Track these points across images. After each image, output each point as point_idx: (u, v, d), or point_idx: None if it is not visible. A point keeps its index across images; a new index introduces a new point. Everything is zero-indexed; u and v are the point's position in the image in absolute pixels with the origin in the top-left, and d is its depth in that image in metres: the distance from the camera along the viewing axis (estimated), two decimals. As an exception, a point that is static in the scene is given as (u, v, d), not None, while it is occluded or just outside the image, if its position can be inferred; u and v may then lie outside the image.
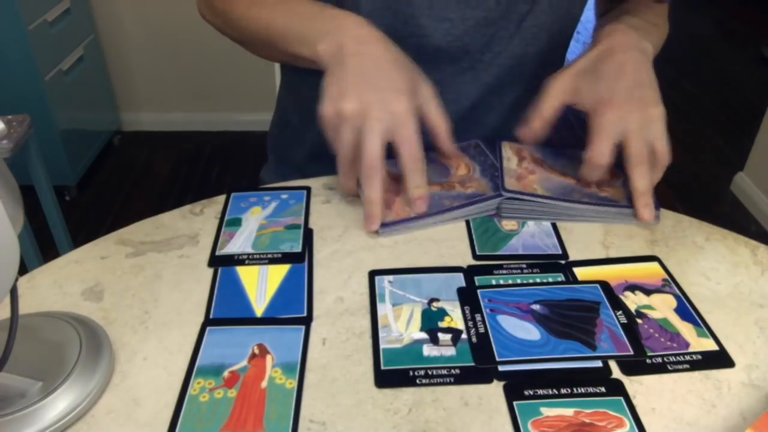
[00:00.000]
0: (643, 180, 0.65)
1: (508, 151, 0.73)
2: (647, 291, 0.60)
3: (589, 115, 0.66)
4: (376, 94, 0.58)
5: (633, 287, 0.61)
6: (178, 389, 0.50)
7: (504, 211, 0.68)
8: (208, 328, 0.56)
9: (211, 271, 0.62)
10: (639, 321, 0.57)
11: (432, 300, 0.59)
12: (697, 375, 0.52)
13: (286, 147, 0.90)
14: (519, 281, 0.61)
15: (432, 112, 0.63)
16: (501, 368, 0.52)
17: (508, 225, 0.69)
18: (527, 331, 0.55)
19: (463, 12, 0.71)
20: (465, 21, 0.72)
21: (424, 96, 0.63)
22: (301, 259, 0.63)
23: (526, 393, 0.50)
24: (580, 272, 0.62)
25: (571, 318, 0.56)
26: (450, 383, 0.51)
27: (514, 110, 0.80)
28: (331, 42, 0.62)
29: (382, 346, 0.54)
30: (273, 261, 0.63)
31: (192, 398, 0.49)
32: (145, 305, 0.58)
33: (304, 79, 0.79)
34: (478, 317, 0.56)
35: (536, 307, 0.58)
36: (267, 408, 0.49)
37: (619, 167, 0.69)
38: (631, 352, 0.53)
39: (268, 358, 0.53)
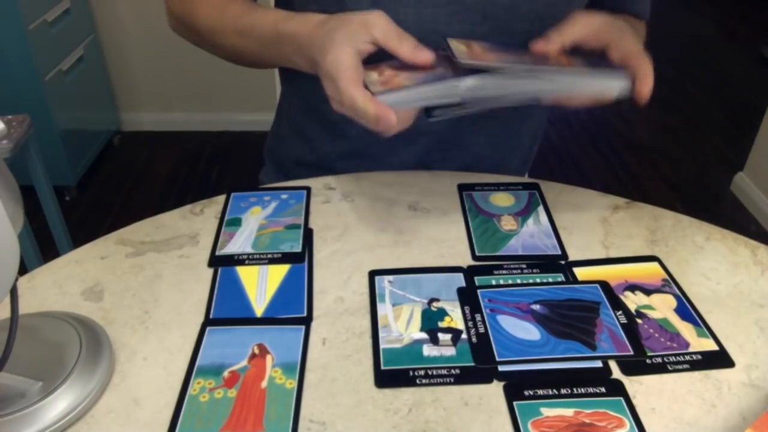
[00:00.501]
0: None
1: (458, 45, 0.65)
2: (647, 291, 0.60)
3: (614, 63, 0.63)
4: (324, 81, 0.59)
5: (633, 287, 0.61)
6: (178, 389, 0.50)
7: (468, 93, 0.59)
8: (208, 328, 0.56)
9: (211, 271, 0.62)
10: (639, 321, 0.57)
11: (432, 300, 0.59)
12: (697, 375, 0.52)
13: (285, 156, 0.90)
14: (519, 281, 0.61)
15: (384, 39, 0.59)
16: (501, 368, 0.52)
17: (507, 225, 0.69)
18: (527, 331, 0.55)
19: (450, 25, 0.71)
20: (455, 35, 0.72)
21: (375, 28, 0.59)
22: (301, 259, 0.63)
23: (526, 393, 0.50)
24: (580, 272, 0.62)
25: (571, 318, 0.56)
26: (450, 383, 0.51)
27: (495, 138, 0.80)
28: (303, 59, 0.64)
29: (382, 346, 0.54)
30: (273, 261, 0.63)
31: (192, 398, 0.49)
32: (145, 305, 0.58)
33: (304, 81, 0.79)
34: (478, 317, 0.56)
35: (536, 307, 0.58)
36: (267, 408, 0.49)
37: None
38: (631, 352, 0.53)
39: (268, 358, 0.53)
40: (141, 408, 0.49)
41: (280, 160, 0.91)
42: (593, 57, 0.63)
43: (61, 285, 0.60)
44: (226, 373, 0.52)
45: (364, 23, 0.60)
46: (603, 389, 0.51)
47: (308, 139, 0.84)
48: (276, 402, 0.49)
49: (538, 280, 0.61)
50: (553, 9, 0.71)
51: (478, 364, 0.52)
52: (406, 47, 0.59)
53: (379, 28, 0.59)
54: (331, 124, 0.81)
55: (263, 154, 0.96)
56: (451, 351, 0.54)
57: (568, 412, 0.49)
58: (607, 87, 0.61)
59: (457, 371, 0.52)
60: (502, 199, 0.73)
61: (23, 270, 0.51)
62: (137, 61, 2.52)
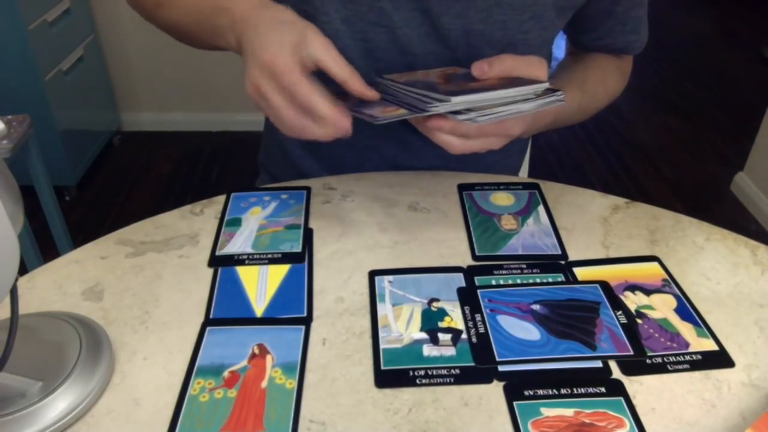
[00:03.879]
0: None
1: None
2: (647, 291, 0.60)
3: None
4: (258, 65, 0.59)
5: (633, 287, 0.61)
6: (178, 389, 0.50)
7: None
8: (208, 328, 0.56)
9: (211, 271, 0.62)
10: (639, 321, 0.57)
11: (432, 300, 0.59)
12: (697, 375, 0.52)
13: (275, 170, 0.90)
14: (519, 281, 0.61)
15: (326, 61, 0.60)
16: (501, 368, 0.52)
17: (508, 224, 0.69)
18: (527, 331, 0.55)
19: (426, 47, 0.72)
20: (426, 56, 0.72)
21: (314, 47, 0.59)
22: (301, 259, 0.63)
23: (526, 393, 0.50)
24: (580, 272, 0.62)
25: (571, 318, 0.56)
26: (450, 383, 0.51)
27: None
28: (232, 35, 0.64)
29: (382, 346, 0.54)
30: (273, 261, 0.63)
31: (192, 398, 0.49)
32: (145, 305, 0.58)
33: None
34: (478, 317, 0.56)
35: (536, 307, 0.58)
36: (267, 408, 0.49)
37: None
38: (631, 352, 0.53)
39: (268, 358, 0.53)
40: (141, 408, 0.49)
41: (271, 172, 0.91)
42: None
43: (61, 285, 0.60)
44: (226, 373, 0.52)
45: (303, 35, 0.59)
46: (603, 389, 0.50)
47: (291, 159, 0.85)
48: (276, 402, 0.49)
49: (538, 280, 0.61)
50: (525, 36, 0.72)
51: (478, 364, 0.52)
52: (358, 83, 0.60)
53: (319, 48, 0.59)
54: (312, 144, 0.81)
55: (258, 163, 0.96)
56: (451, 351, 0.54)
57: (568, 412, 0.49)
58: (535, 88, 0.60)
59: (457, 371, 0.52)
60: (502, 199, 0.73)
61: (23, 270, 0.51)
62: (137, 61, 2.52)
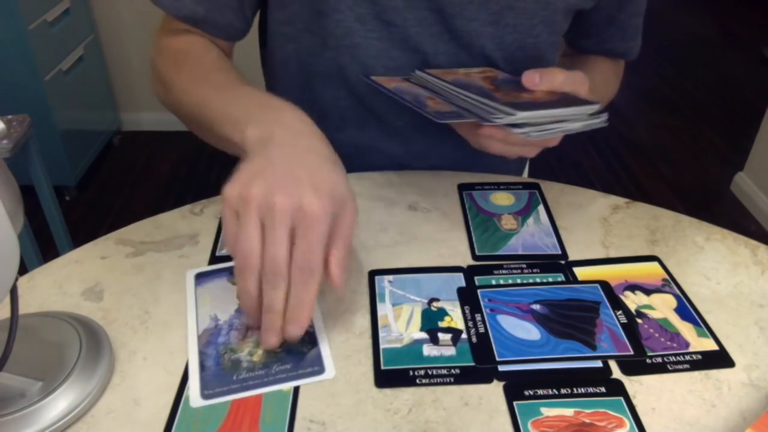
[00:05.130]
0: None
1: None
2: (647, 291, 0.60)
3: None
4: (290, 185, 0.48)
5: (633, 287, 0.61)
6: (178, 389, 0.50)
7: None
8: (208, 328, 0.56)
9: (211, 271, 0.62)
10: (639, 321, 0.57)
11: (432, 300, 0.59)
12: (697, 375, 0.52)
13: None
14: (519, 281, 0.61)
15: (341, 235, 0.50)
16: (501, 368, 0.52)
17: (508, 224, 0.69)
18: (527, 331, 0.55)
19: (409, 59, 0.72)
20: (438, 56, 0.72)
21: (345, 212, 0.51)
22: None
23: (526, 393, 0.50)
24: (580, 272, 0.62)
25: (571, 318, 0.56)
26: (450, 383, 0.51)
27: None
28: (263, 129, 0.54)
29: (382, 346, 0.54)
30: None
31: (188, 400, 0.49)
32: (145, 305, 0.58)
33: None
34: (478, 317, 0.56)
35: (536, 307, 0.58)
36: (263, 410, 0.48)
37: None
38: (631, 352, 0.53)
39: (268, 358, 0.53)
40: (141, 408, 0.49)
41: None
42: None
43: (61, 285, 0.60)
44: (226, 373, 0.51)
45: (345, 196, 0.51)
46: (603, 389, 0.50)
47: None
48: (272, 404, 0.49)
49: (538, 280, 0.61)
50: (535, 40, 0.73)
51: (478, 364, 0.52)
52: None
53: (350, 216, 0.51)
54: None
55: None
56: (451, 351, 0.54)
57: (568, 412, 0.49)
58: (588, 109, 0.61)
59: (457, 371, 0.52)
60: (502, 199, 0.73)
61: (23, 270, 0.51)
62: (137, 61, 2.52)
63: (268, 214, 0.47)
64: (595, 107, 0.61)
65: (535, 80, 0.63)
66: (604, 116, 0.61)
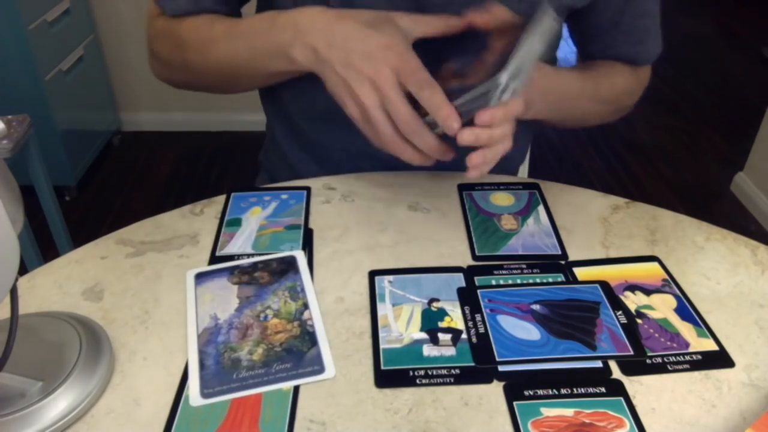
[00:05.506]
0: None
1: None
2: (647, 291, 0.60)
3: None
4: (369, 61, 0.58)
5: (633, 287, 0.61)
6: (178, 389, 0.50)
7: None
8: (208, 328, 0.56)
9: (211, 271, 0.62)
10: (639, 321, 0.57)
11: (432, 300, 0.59)
12: (697, 375, 0.52)
13: (274, 172, 0.90)
14: (519, 281, 0.61)
15: (425, 23, 0.62)
16: (501, 368, 0.52)
17: (508, 224, 0.69)
18: (527, 331, 0.55)
19: None
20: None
21: (405, 24, 0.62)
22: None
23: (526, 393, 0.50)
24: (580, 272, 0.62)
25: (571, 318, 0.56)
26: (450, 383, 0.51)
27: None
28: (302, 47, 0.62)
29: (382, 346, 0.54)
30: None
31: (188, 399, 0.49)
32: (145, 305, 0.58)
33: (286, 104, 0.80)
34: (478, 317, 0.56)
35: (536, 307, 0.58)
36: (263, 410, 0.49)
37: None
38: (631, 352, 0.53)
39: (268, 358, 0.53)
40: (141, 408, 0.49)
41: (271, 172, 0.91)
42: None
43: (61, 285, 0.60)
44: (226, 373, 0.51)
45: (390, 19, 0.61)
46: (603, 389, 0.50)
47: (290, 163, 0.84)
48: (272, 404, 0.49)
49: (538, 280, 0.61)
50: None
51: (478, 364, 0.52)
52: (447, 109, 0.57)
53: (409, 23, 0.62)
54: (313, 147, 0.81)
55: (258, 162, 0.96)
56: (451, 351, 0.54)
57: (568, 412, 0.49)
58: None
59: (457, 371, 0.52)
60: (502, 199, 0.73)
61: (23, 270, 0.51)
62: (137, 61, 2.52)
63: (377, 83, 0.58)
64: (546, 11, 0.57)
65: (484, 16, 0.61)
66: (548, 11, 0.57)
